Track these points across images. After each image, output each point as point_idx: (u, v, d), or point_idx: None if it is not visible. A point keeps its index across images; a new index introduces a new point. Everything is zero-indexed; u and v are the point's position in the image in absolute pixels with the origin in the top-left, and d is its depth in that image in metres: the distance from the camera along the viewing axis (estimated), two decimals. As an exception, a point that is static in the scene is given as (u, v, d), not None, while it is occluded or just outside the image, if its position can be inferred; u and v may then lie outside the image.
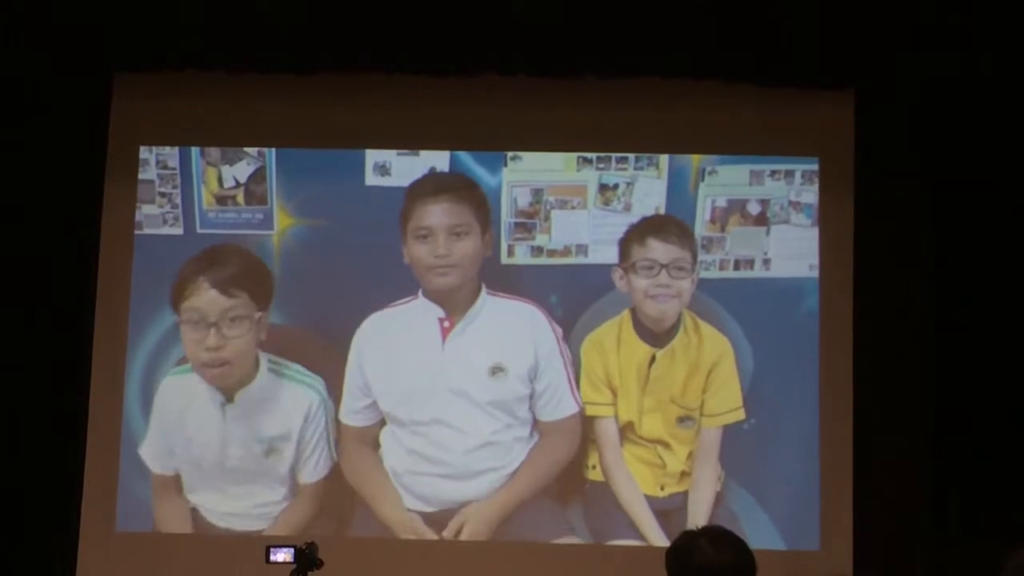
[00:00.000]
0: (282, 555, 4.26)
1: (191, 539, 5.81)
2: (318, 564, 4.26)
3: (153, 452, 5.81)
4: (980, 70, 5.54)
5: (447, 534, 5.78)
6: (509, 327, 5.84)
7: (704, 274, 5.89)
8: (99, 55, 5.73)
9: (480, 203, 5.90)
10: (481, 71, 5.78)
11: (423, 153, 5.97)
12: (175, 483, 5.83)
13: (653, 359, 5.88)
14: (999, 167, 5.63)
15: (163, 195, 5.99)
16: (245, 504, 5.80)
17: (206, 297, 5.74)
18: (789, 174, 5.94)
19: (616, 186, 5.96)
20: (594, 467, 5.84)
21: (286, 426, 5.73)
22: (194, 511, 5.82)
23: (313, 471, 5.78)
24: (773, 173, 5.95)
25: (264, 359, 5.80)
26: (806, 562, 5.56)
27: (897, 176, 5.74)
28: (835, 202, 5.86)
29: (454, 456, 5.78)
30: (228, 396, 5.75)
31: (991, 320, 5.62)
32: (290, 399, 5.74)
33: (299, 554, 4.25)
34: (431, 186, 5.88)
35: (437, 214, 5.85)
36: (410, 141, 5.95)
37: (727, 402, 5.84)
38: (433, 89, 5.84)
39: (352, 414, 5.82)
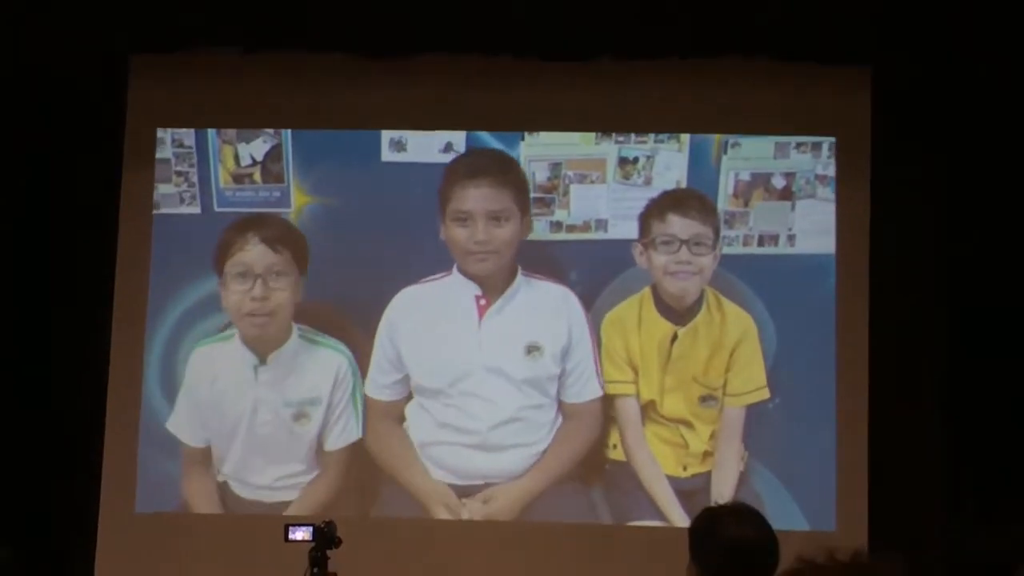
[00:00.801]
0: (301, 533, 4.22)
1: (211, 519, 5.76)
2: (336, 543, 4.23)
3: (183, 425, 5.79)
4: (997, 49, 5.46)
5: (472, 505, 5.71)
6: (544, 307, 5.78)
7: (727, 250, 5.80)
8: (115, 37, 5.68)
9: (520, 185, 5.81)
10: (496, 52, 5.73)
11: (439, 130, 5.91)
12: (205, 457, 5.79)
13: (675, 337, 5.80)
14: (1017, 145, 5.54)
15: (180, 174, 5.95)
16: (272, 475, 5.76)
17: (254, 252, 5.76)
18: (816, 147, 5.83)
19: (636, 159, 5.87)
20: (615, 446, 5.77)
21: (316, 390, 5.74)
22: (223, 486, 5.78)
23: (339, 437, 5.76)
24: (799, 146, 5.84)
25: (295, 326, 5.80)
26: (821, 543, 5.45)
27: (914, 154, 5.65)
28: (851, 180, 5.76)
29: (483, 426, 5.73)
30: (261, 358, 5.76)
31: (1008, 301, 5.54)
32: (320, 363, 5.76)
33: (318, 532, 4.22)
34: (471, 166, 5.81)
35: (476, 199, 5.77)
36: (426, 122, 5.87)
37: (751, 381, 5.75)
38: (450, 70, 5.79)
39: (380, 388, 5.78)
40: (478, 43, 5.72)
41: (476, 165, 5.80)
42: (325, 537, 4.19)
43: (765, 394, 5.73)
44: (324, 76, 5.83)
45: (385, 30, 5.72)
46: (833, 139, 5.81)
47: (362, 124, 5.90)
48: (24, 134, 5.76)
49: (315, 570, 4.17)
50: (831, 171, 5.82)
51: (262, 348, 5.78)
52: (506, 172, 5.80)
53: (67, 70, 5.71)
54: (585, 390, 5.75)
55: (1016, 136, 5.55)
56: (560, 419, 5.76)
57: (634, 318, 5.80)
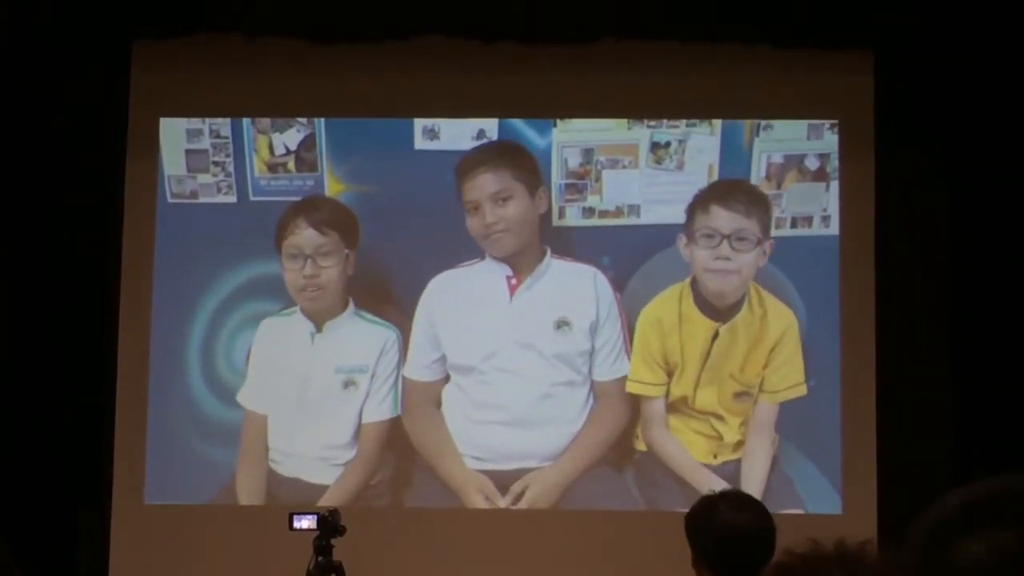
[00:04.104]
0: (306, 522, 4.24)
1: (218, 510, 5.82)
2: (341, 531, 4.23)
3: (251, 393, 5.93)
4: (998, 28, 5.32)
5: (509, 498, 5.72)
6: (573, 285, 5.81)
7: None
8: (122, 23, 5.76)
9: (520, 164, 5.85)
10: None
11: (472, 118, 5.92)
12: (262, 429, 5.88)
13: (716, 335, 5.70)
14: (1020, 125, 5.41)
15: (216, 164, 6.01)
16: (319, 443, 5.86)
17: (304, 235, 5.93)
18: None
19: (668, 144, 5.80)
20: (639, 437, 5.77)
21: (364, 358, 5.92)
22: (271, 470, 5.85)
23: (376, 409, 5.87)
24: (832, 126, 5.75)
25: (351, 301, 5.94)
26: (827, 526, 5.37)
27: (917, 136, 5.56)
28: (855, 163, 5.67)
29: (515, 402, 5.77)
30: (318, 326, 5.95)
31: (1014, 282, 5.43)
32: (369, 335, 5.95)
33: (322, 521, 4.23)
34: (472, 162, 5.88)
35: (478, 187, 5.85)
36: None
37: (789, 378, 5.67)
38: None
39: (419, 369, 5.86)
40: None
41: (476, 159, 5.89)
42: (329, 526, 4.20)
43: (802, 391, 5.66)
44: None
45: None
46: (836, 122, 5.75)
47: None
48: (24, 122, 5.81)
49: (320, 559, 4.19)
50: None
51: (319, 318, 5.95)
52: (501, 156, 5.87)
53: (67, 56, 5.75)
54: (615, 367, 5.75)
55: (1019, 116, 5.40)
56: (592, 400, 5.76)
57: (674, 315, 5.72)
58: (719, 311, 5.71)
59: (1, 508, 5.45)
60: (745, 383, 5.68)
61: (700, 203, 5.74)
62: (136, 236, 5.92)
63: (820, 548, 1.86)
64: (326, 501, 5.64)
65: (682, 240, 5.73)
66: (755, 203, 5.70)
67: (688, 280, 5.74)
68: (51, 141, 5.79)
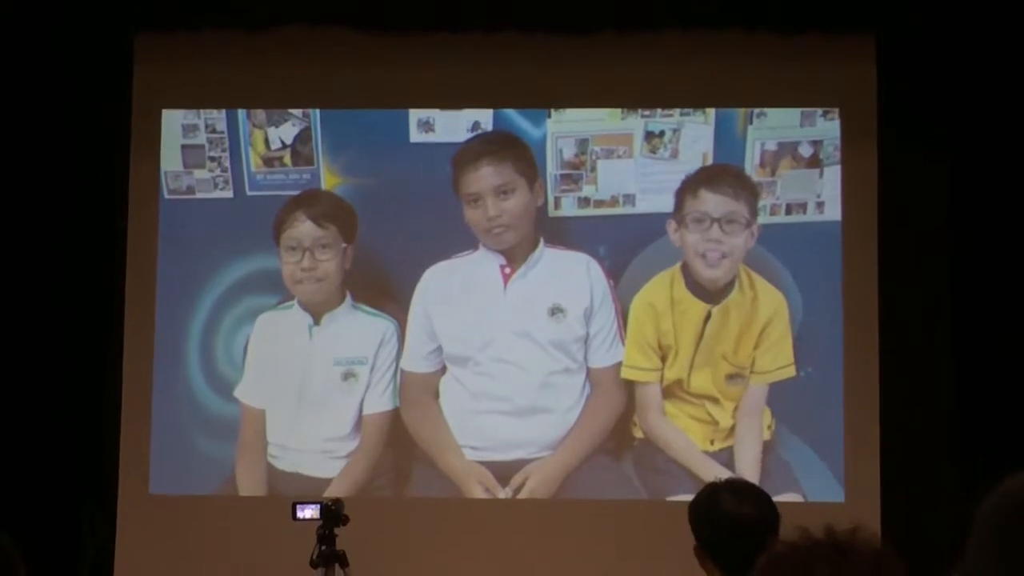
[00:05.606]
0: (309, 511, 4.27)
1: (223, 499, 5.85)
2: (344, 520, 4.26)
3: (248, 387, 5.95)
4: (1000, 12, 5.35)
5: (509, 490, 5.75)
6: (566, 271, 5.85)
7: (752, 220, 5.78)
8: (123, 17, 5.77)
9: (520, 157, 5.88)
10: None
11: (467, 108, 5.94)
12: (260, 424, 5.90)
13: (708, 316, 5.75)
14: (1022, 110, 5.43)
15: (213, 159, 6.03)
16: (320, 436, 5.88)
17: (302, 228, 5.97)
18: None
19: (662, 133, 5.84)
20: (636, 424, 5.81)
21: (363, 350, 5.95)
22: (270, 465, 5.87)
23: (377, 401, 5.90)
24: (826, 113, 5.79)
25: (348, 294, 5.97)
26: (829, 514, 5.39)
27: (919, 122, 5.59)
28: (857, 149, 5.71)
29: (513, 392, 5.80)
30: (316, 319, 5.99)
31: (1016, 267, 5.46)
32: (368, 326, 5.98)
33: (325, 510, 4.25)
34: (472, 153, 5.91)
35: (480, 179, 5.88)
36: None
37: (778, 359, 5.72)
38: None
39: (417, 360, 5.89)
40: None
41: (476, 149, 5.91)
42: (332, 515, 4.23)
43: (791, 372, 5.71)
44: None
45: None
46: (837, 109, 5.78)
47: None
48: (26, 117, 5.82)
49: (323, 548, 4.22)
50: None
51: (316, 310, 5.98)
52: (502, 148, 5.90)
53: (69, 51, 5.77)
54: (610, 353, 5.79)
55: (1020, 102, 5.43)
56: (589, 388, 5.79)
57: (665, 300, 5.77)
58: (710, 293, 5.76)
59: (6, 500, 5.47)
60: (737, 364, 5.72)
61: (689, 188, 5.79)
62: (139, 230, 5.94)
63: (810, 536, 1.87)
64: (329, 494, 5.66)
65: (672, 226, 5.77)
66: (743, 186, 5.75)
67: (678, 265, 5.78)
68: (53, 136, 5.81)
